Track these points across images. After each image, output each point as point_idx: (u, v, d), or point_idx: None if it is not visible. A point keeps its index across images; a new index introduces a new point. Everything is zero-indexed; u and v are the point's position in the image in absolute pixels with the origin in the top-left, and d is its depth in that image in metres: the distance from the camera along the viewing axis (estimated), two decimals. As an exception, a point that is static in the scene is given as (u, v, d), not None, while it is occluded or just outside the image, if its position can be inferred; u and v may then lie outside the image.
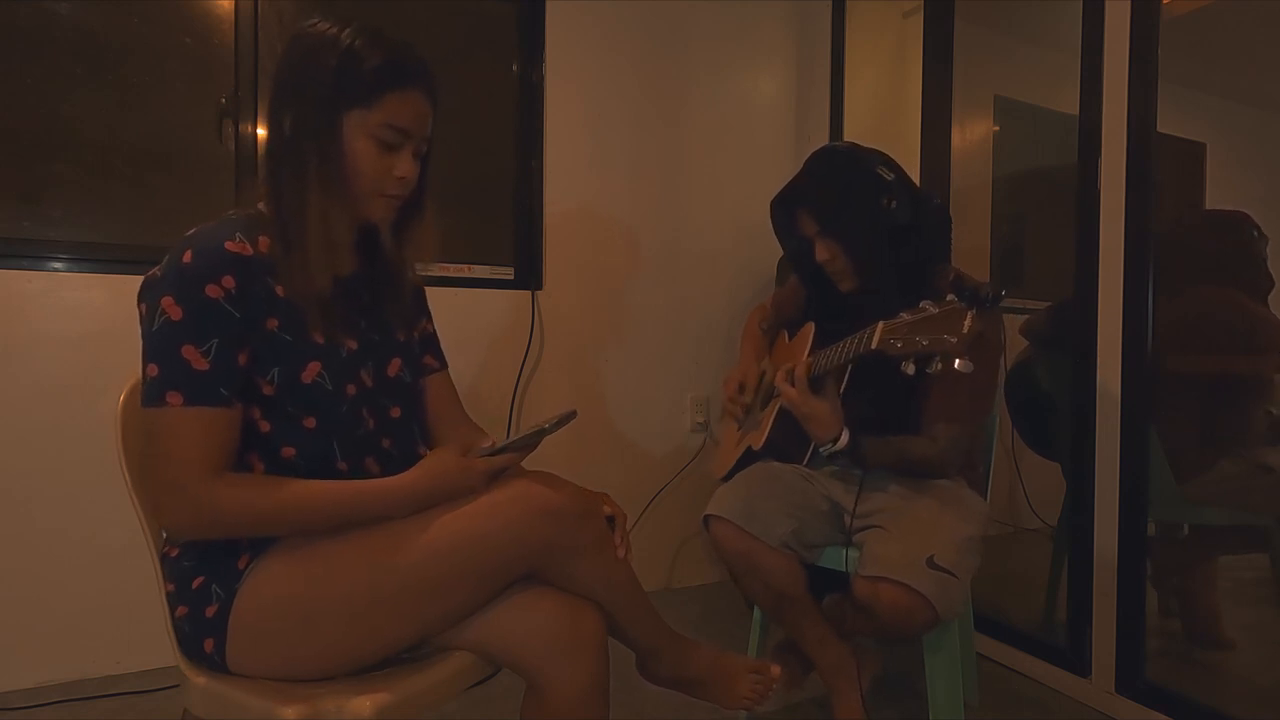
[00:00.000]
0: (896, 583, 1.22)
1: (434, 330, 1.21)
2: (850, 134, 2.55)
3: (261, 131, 2.01)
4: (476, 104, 2.29)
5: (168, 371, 0.87)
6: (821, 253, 1.44)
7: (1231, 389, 1.91)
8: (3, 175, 1.80)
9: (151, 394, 0.87)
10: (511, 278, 2.32)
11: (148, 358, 0.88)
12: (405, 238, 1.07)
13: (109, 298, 1.81)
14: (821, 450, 1.36)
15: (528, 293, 2.29)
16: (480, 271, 2.27)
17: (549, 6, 2.30)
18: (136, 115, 1.91)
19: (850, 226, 1.40)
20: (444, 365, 1.21)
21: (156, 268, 0.92)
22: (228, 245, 0.90)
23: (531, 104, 2.32)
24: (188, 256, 0.89)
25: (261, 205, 0.98)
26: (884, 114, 2.51)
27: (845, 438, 1.32)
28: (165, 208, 1.95)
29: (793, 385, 1.33)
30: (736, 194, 2.59)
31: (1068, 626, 1.80)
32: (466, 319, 2.20)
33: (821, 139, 2.59)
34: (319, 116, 0.93)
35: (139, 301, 0.92)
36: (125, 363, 1.17)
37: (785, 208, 1.51)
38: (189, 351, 0.87)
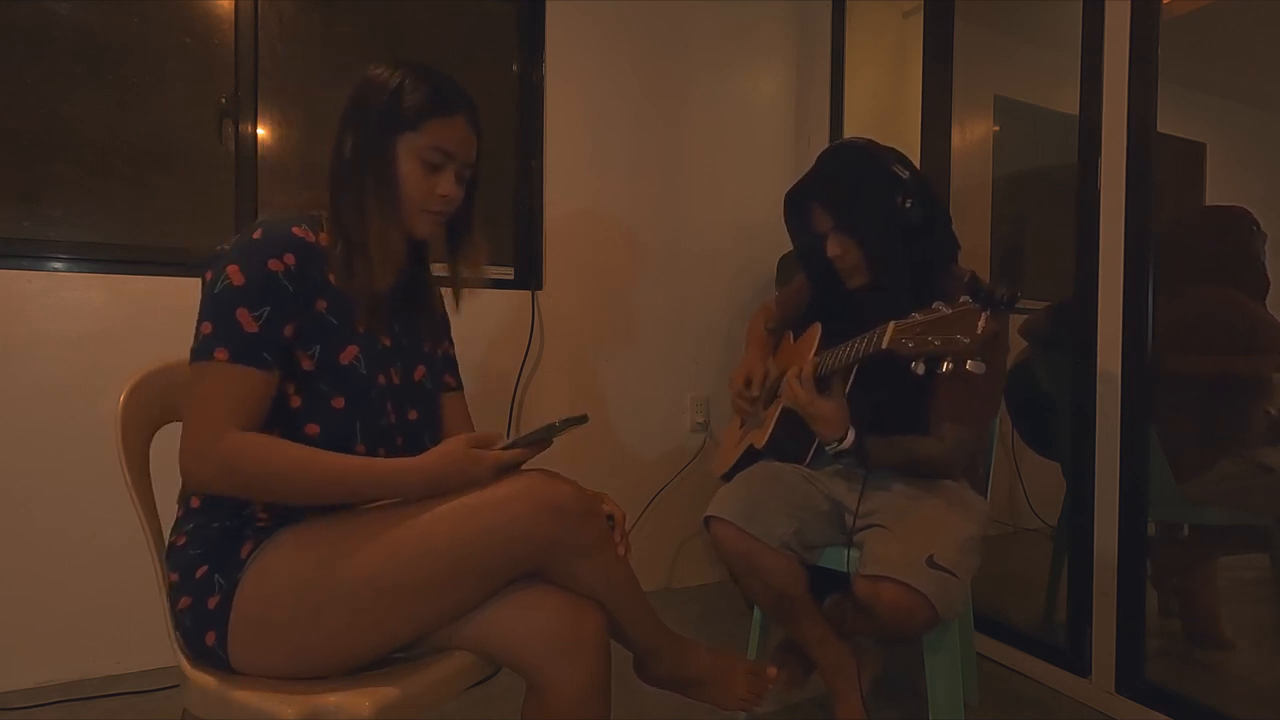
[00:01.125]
0: (897, 582, 1.22)
1: (454, 354, 1.28)
2: (850, 134, 2.55)
3: (262, 131, 2.01)
4: (477, 104, 2.28)
5: (221, 330, 0.93)
6: (833, 248, 1.43)
7: (1231, 389, 1.91)
8: (3, 175, 1.80)
9: (201, 349, 0.94)
10: (511, 278, 2.32)
11: (204, 317, 0.95)
12: (458, 255, 1.18)
13: (109, 298, 1.81)
14: (827, 449, 1.36)
15: (528, 293, 2.30)
16: (480, 271, 2.26)
17: (549, 6, 2.30)
18: (136, 115, 1.91)
19: (864, 222, 1.40)
20: (460, 387, 1.28)
21: (225, 244, 1.00)
22: (294, 229, 0.99)
23: (531, 104, 2.32)
24: (257, 234, 0.98)
25: (322, 213, 1.05)
26: (884, 114, 2.51)
27: (851, 437, 1.32)
28: (165, 208, 1.96)
29: (800, 385, 1.33)
30: (736, 194, 2.59)
31: (1068, 626, 1.80)
32: (466, 319, 2.18)
33: (821, 139, 2.59)
34: (374, 142, 1.03)
35: (205, 272, 0.99)
36: (125, 363, 1.18)
37: (797, 203, 1.51)
38: (242, 314, 0.93)
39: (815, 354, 1.42)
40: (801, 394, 1.33)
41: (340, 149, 1.05)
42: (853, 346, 1.27)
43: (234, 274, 0.94)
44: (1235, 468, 1.86)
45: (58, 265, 1.80)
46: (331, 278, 1.01)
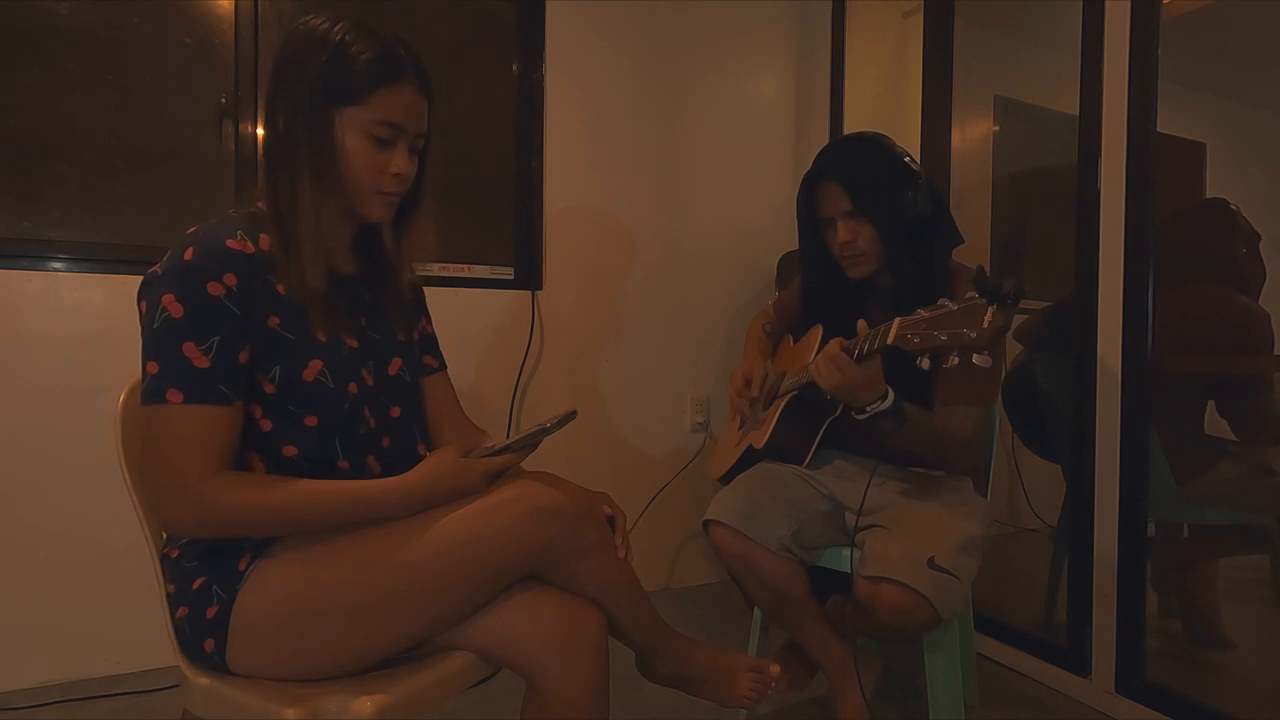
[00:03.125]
0: (897, 583, 1.22)
1: (433, 331, 1.22)
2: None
3: (261, 131, 2.01)
4: (476, 104, 2.29)
5: (168, 369, 0.86)
6: (844, 233, 1.43)
7: (1229, 386, 1.91)
8: (3, 175, 1.80)
9: (151, 392, 0.87)
10: (511, 278, 2.32)
11: (148, 355, 0.88)
12: (406, 235, 1.08)
13: (109, 298, 1.81)
14: (867, 410, 1.27)
15: (528, 293, 2.29)
16: (480, 271, 2.26)
17: (549, 6, 2.30)
18: (136, 115, 1.91)
19: (881, 206, 1.40)
20: (443, 366, 1.22)
21: (156, 265, 0.91)
22: (229, 243, 0.90)
23: (531, 104, 2.32)
24: (189, 254, 0.88)
25: (261, 204, 0.99)
26: (884, 114, 2.51)
27: (891, 396, 1.26)
28: (165, 208, 1.95)
29: (834, 362, 1.24)
30: (736, 194, 2.59)
31: (1068, 626, 1.80)
32: (466, 319, 2.20)
33: (821, 139, 2.59)
34: (311, 115, 0.93)
35: (139, 299, 0.91)
36: (125, 363, 1.17)
37: (811, 186, 1.49)
38: (189, 349, 0.86)
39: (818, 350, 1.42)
40: (836, 373, 1.23)
41: (272, 125, 0.94)
42: (858, 343, 1.27)
43: (171, 305, 0.86)
44: (1235, 468, 1.86)
45: (57, 265, 1.80)
46: (280, 288, 0.93)
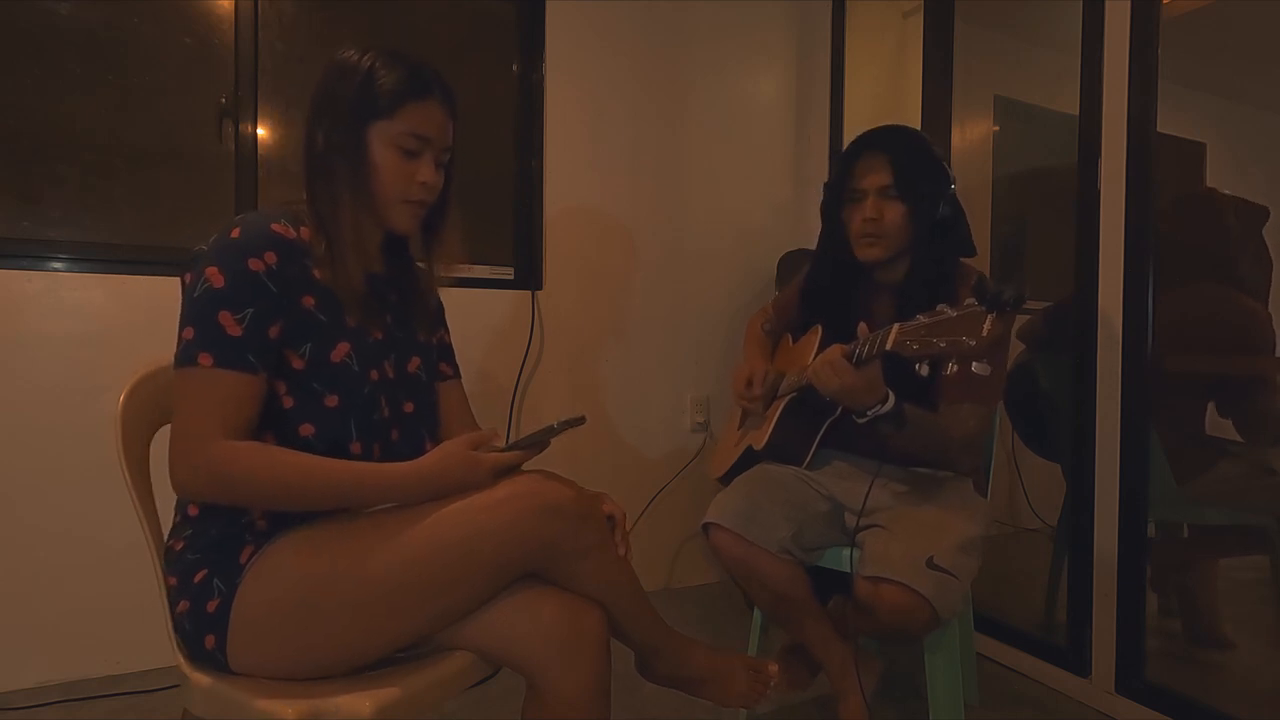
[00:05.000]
0: (897, 583, 1.22)
1: (450, 342, 1.27)
2: (850, 134, 2.54)
3: (262, 131, 2.01)
4: (476, 104, 2.29)
5: (203, 334, 0.91)
6: (872, 209, 1.43)
7: (1230, 388, 1.91)
8: (3, 175, 1.80)
9: (185, 355, 0.92)
10: (511, 278, 2.32)
11: (185, 321, 0.93)
12: (434, 243, 1.15)
13: (109, 298, 1.81)
14: (867, 414, 1.28)
15: (528, 293, 2.30)
16: (480, 271, 2.26)
17: (549, 6, 2.30)
18: (136, 115, 1.91)
19: (922, 192, 1.42)
20: (458, 375, 1.26)
21: (204, 244, 0.97)
22: (273, 226, 0.97)
23: (531, 104, 2.32)
24: (235, 233, 0.95)
25: (303, 207, 1.04)
26: (884, 114, 2.51)
27: (891, 399, 1.27)
28: (165, 208, 1.95)
29: (833, 368, 1.25)
30: (736, 194, 2.59)
31: (1068, 626, 1.80)
32: (466, 319, 2.19)
33: (821, 139, 2.58)
34: (346, 131, 1.01)
35: (183, 274, 0.97)
36: (125, 363, 1.18)
37: (853, 153, 1.50)
38: (225, 317, 0.91)
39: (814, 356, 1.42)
40: (834, 378, 1.24)
41: (312, 140, 1.02)
42: (855, 348, 1.27)
43: (214, 276, 0.92)
44: (1235, 468, 1.86)
45: (58, 265, 1.80)
46: (317, 273, 1.00)
